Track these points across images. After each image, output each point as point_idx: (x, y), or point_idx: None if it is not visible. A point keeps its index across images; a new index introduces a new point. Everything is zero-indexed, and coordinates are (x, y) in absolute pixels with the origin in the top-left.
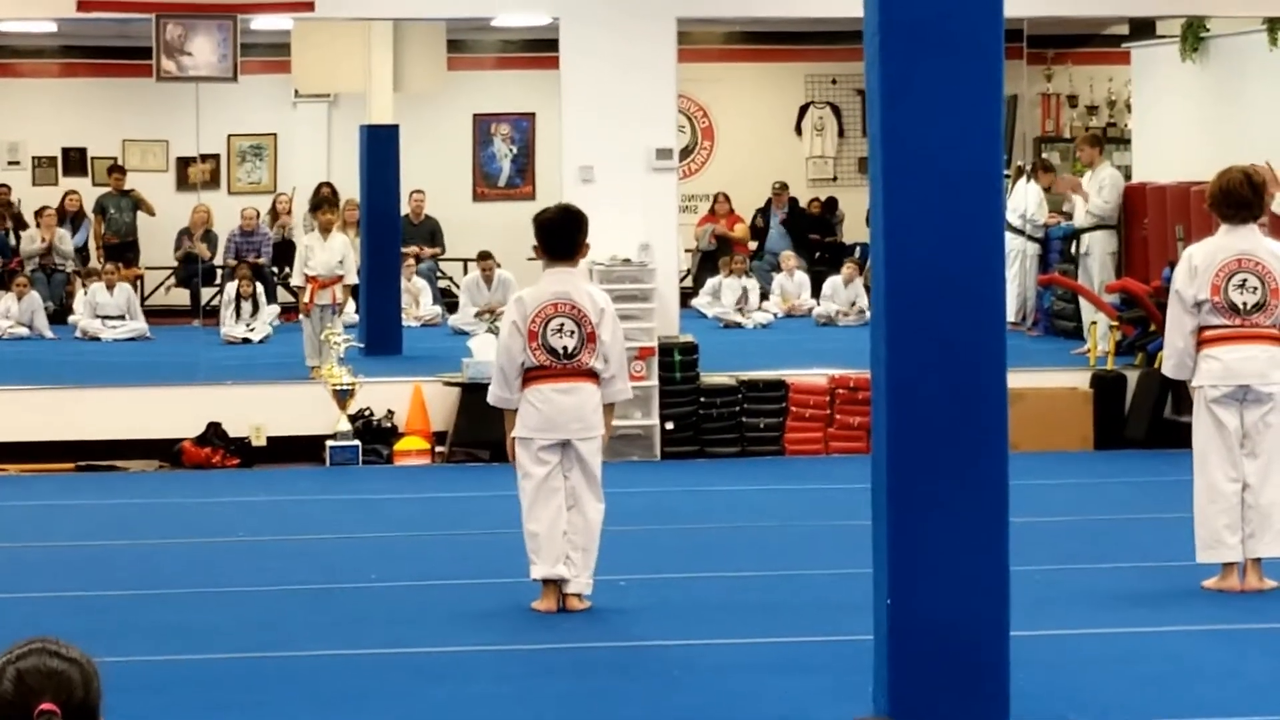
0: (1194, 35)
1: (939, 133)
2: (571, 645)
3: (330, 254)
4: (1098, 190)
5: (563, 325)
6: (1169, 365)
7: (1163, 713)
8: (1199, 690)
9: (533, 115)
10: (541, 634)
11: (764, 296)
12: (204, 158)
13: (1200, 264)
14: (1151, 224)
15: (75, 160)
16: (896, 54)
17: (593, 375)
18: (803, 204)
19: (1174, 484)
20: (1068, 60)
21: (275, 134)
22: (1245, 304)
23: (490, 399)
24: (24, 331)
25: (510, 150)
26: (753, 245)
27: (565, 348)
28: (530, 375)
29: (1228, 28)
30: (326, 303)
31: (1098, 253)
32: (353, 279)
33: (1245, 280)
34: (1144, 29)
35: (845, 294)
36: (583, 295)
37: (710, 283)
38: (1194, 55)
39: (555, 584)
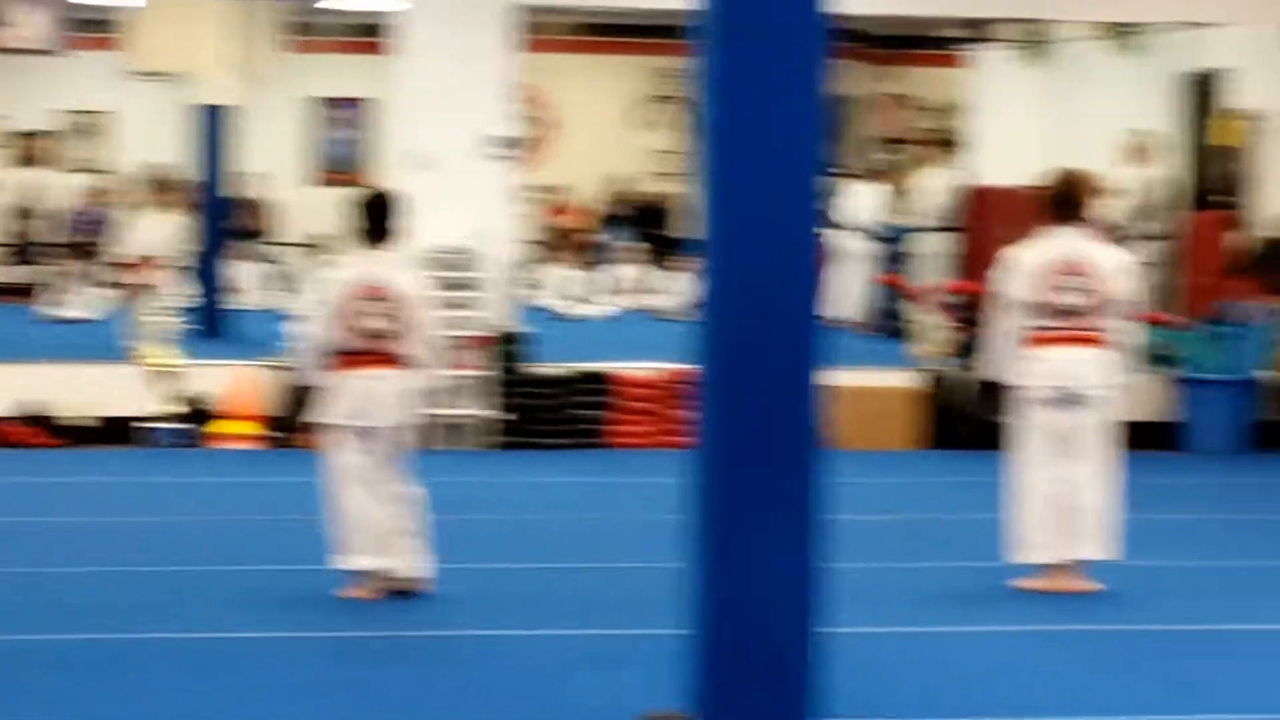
0: (1034, 40)
1: (761, 128)
2: (386, 633)
3: (154, 234)
4: (932, 192)
5: (374, 308)
6: (995, 367)
7: (973, 711)
8: (1010, 690)
9: (372, 100)
10: (356, 621)
11: (603, 289)
12: (39, 134)
13: (1029, 266)
14: (987, 226)
15: None
16: (721, 47)
17: (404, 360)
18: (645, 197)
19: (997, 484)
20: (908, 62)
21: (113, 112)
22: (1072, 306)
23: (299, 379)
24: None
25: (349, 135)
26: (593, 237)
27: (376, 330)
28: (341, 360)
29: (1067, 33)
30: (148, 283)
31: (932, 253)
32: (175, 260)
33: (1073, 282)
34: (985, 33)
35: (682, 287)
36: (395, 279)
37: (546, 272)
38: (1033, 59)
39: (368, 572)
